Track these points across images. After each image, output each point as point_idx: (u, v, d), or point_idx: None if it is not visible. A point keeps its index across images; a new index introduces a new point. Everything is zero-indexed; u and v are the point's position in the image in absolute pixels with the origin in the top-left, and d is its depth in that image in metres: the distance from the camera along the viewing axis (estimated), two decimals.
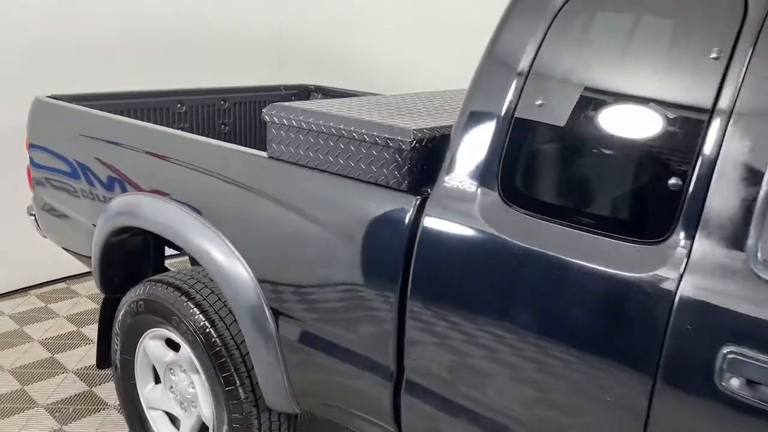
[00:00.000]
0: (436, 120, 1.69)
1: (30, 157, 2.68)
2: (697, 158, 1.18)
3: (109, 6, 3.74)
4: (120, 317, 2.28)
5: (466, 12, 3.62)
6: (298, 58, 4.53)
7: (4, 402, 2.75)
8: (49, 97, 2.68)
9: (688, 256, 1.17)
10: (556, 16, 1.38)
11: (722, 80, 1.17)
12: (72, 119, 2.49)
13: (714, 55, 1.19)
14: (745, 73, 1.15)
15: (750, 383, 1.09)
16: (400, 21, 4.21)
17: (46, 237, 2.83)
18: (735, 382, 1.10)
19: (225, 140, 2.48)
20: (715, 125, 1.17)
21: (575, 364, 1.28)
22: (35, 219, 2.83)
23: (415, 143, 1.52)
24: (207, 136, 2.22)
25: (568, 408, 1.31)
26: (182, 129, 3.05)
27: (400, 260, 1.53)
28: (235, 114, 3.36)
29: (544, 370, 1.33)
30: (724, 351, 1.11)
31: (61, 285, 3.89)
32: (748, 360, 1.09)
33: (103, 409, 2.74)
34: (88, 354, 3.12)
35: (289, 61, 4.54)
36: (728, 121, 1.16)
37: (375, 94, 2.66)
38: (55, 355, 3.13)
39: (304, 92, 3.61)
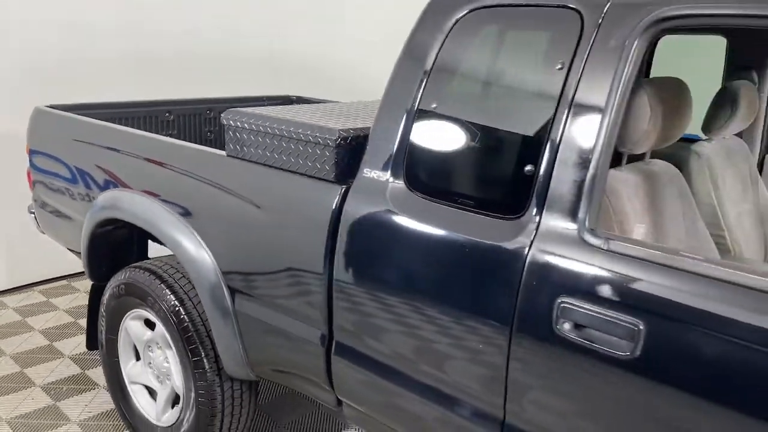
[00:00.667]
0: (365, 122, 2.01)
1: (30, 161, 3.03)
2: (545, 150, 1.48)
3: (110, 23, 4.09)
4: (105, 301, 2.61)
5: None
6: (291, 71, 4.89)
7: (4, 382, 3.08)
8: (48, 106, 3.03)
9: (537, 227, 1.47)
10: (446, 37, 1.70)
11: (563, 87, 1.48)
12: (66, 126, 2.84)
13: (559, 66, 1.50)
14: (579, 80, 1.46)
15: (576, 326, 1.39)
16: (385, 33, 4.54)
17: (44, 233, 3.17)
18: (566, 326, 1.40)
19: (210, 146, 2.80)
20: (558, 124, 1.47)
21: (458, 318, 1.58)
22: (35, 217, 3.17)
23: (340, 141, 1.84)
24: (193, 143, 2.54)
25: (455, 355, 1.61)
26: (170, 136, 3.38)
27: (329, 240, 1.85)
28: (220, 122, 3.70)
29: (437, 326, 1.63)
30: (559, 301, 1.41)
31: (63, 282, 4.23)
32: (575, 307, 1.38)
33: (93, 389, 3.06)
34: (84, 342, 3.44)
35: (283, 74, 4.89)
36: (566, 120, 1.46)
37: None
38: (53, 343, 3.47)
39: (287, 102, 3.95)
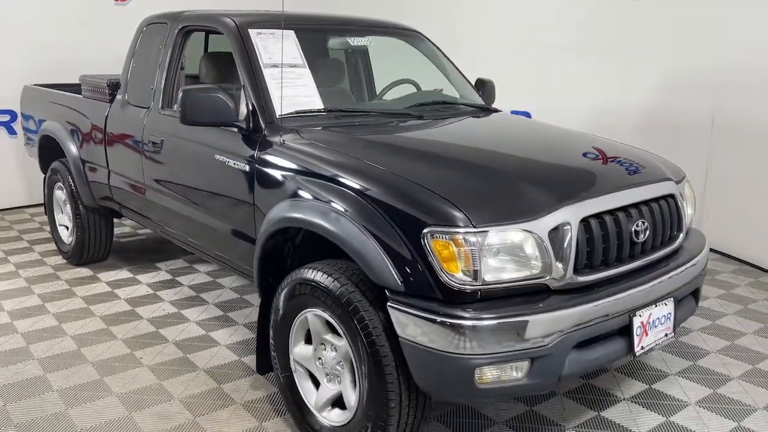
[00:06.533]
0: None
1: (21, 115, 5.76)
2: (156, 78, 3.92)
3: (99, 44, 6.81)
4: (45, 180, 5.25)
5: None
6: None
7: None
8: (33, 84, 5.73)
9: (150, 110, 3.92)
10: (140, 35, 4.19)
11: (161, 54, 3.92)
12: (39, 93, 5.50)
13: (161, 46, 3.94)
14: (164, 50, 3.90)
15: (153, 144, 3.82)
16: None
17: (31, 157, 5.87)
18: (147, 147, 3.83)
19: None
20: (157, 68, 3.92)
21: (130, 145, 4.05)
22: (26, 149, 5.89)
23: (108, 83, 4.36)
24: None
25: (135, 164, 4.07)
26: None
27: (104, 129, 4.36)
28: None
29: (129, 152, 4.09)
30: (145, 134, 3.84)
31: None
32: (149, 137, 3.82)
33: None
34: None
35: None
36: (160, 66, 3.89)
37: None
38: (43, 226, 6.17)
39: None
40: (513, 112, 5.44)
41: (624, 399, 3.22)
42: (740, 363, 3.61)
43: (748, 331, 4.02)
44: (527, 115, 6.14)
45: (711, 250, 5.42)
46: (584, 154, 3.01)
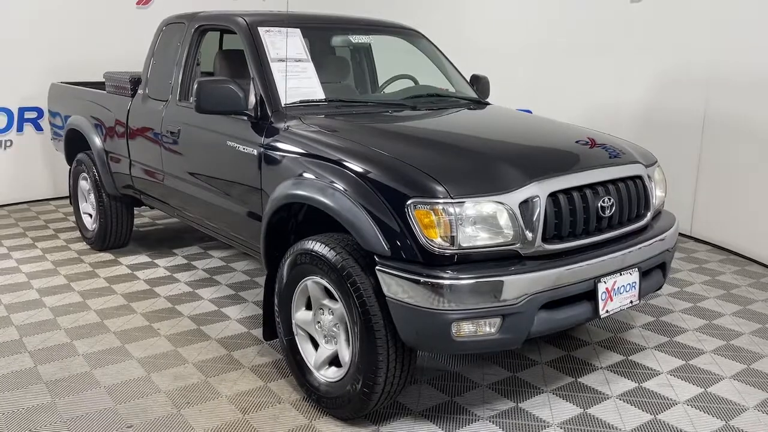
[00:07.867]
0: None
1: (48, 111, 6.15)
2: (175, 74, 4.27)
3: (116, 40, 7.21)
4: (71, 171, 5.63)
5: None
6: None
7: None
8: (59, 82, 6.13)
9: (168, 102, 4.27)
10: (161, 34, 4.55)
11: (179, 51, 4.27)
12: (65, 90, 5.90)
13: (178, 43, 4.30)
14: (181, 48, 4.25)
15: (171, 133, 4.17)
16: None
17: (58, 151, 6.26)
18: (165, 139, 4.18)
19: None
20: (175, 61, 4.27)
21: (151, 137, 4.40)
22: (53, 143, 6.29)
23: (131, 78, 4.73)
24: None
25: (154, 153, 4.42)
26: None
27: (126, 121, 4.72)
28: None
29: (153, 143, 4.45)
30: (166, 123, 4.20)
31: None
32: (168, 125, 4.17)
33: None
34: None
35: None
36: (178, 63, 4.24)
37: None
38: (67, 216, 6.55)
39: None
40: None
41: (601, 368, 3.51)
42: (714, 339, 3.87)
43: (726, 312, 4.27)
44: (528, 112, 6.43)
45: (702, 242, 5.70)
46: (560, 139, 3.31)
